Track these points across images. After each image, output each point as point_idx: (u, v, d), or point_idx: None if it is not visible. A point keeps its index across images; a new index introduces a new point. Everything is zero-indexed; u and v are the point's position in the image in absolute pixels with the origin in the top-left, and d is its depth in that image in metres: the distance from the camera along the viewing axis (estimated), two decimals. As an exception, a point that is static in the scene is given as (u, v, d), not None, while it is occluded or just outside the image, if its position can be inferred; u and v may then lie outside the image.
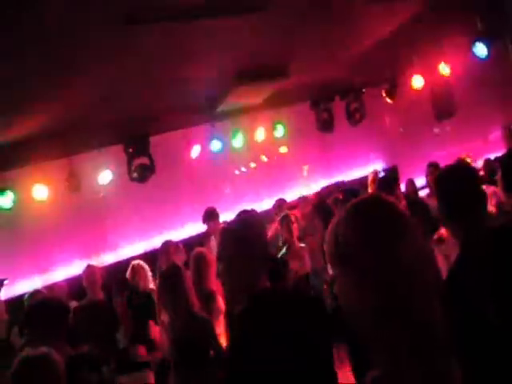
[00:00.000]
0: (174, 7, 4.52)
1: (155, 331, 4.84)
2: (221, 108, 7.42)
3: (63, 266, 7.68)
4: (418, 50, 7.92)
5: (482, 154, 9.58)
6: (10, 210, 6.74)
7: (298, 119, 8.88)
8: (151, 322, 4.87)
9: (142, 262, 6.20)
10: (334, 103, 9.12)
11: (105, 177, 7.45)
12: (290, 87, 7.40)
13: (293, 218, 6.67)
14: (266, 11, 5.04)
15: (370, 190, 7.97)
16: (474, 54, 8.15)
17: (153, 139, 7.46)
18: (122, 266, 6.72)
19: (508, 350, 1.97)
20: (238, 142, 8.43)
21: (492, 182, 4.71)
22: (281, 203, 7.87)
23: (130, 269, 6.10)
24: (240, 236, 2.39)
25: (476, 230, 2.28)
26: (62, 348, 3.10)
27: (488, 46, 8.00)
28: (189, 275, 4.31)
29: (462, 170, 2.63)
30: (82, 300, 5.84)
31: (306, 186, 9.50)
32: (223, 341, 4.17)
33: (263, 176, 9.28)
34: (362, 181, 8.93)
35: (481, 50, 8.04)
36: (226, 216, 6.97)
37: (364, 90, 9.17)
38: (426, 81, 9.02)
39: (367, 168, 9.57)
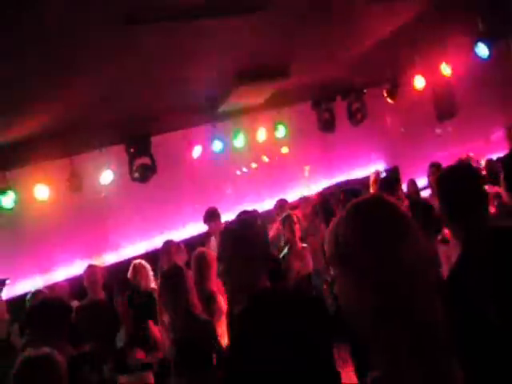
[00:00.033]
0: (174, 7, 4.52)
1: (155, 331, 4.84)
2: (222, 108, 7.42)
3: (64, 265, 7.68)
4: (419, 50, 7.91)
5: (484, 154, 9.57)
6: (11, 210, 6.74)
7: (300, 119, 8.87)
8: (151, 322, 4.86)
9: (143, 262, 6.20)
10: (335, 103, 9.11)
11: (106, 177, 7.45)
12: (291, 87, 7.40)
13: (295, 219, 6.66)
14: (266, 11, 5.03)
15: (371, 191, 7.97)
16: (475, 55, 8.13)
17: (154, 139, 7.47)
18: (123, 265, 6.72)
19: (509, 350, 1.96)
20: (239, 142, 8.42)
21: (495, 183, 4.71)
22: (282, 203, 7.87)
23: (131, 268, 6.11)
24: (239, 236, 2.39)
25: (477, 230, 2.27)
26: (64, 348, 3.10)
27: (490, 47, 7.98)
28: (191, 275, 4.30)
29: (463, 169, 2.63)
30: (83, 300, 5.85)
31: (308, 186, 9.49)
32: (225, 341, 4.17)
33: (264, 176, 9.28)
34: (364, 181, 8.92)
35: (482, 50, 8.02)
36: (228, 216, 6.96)
37: (365, 90, 9.16)
38: (427, 81, 9.01)
39: (369, 168, 9.56)
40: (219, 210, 7.24)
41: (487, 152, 9.76)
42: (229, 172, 9.14)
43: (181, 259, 6.03)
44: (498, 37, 8.17)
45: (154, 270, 6.13)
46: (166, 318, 4.14)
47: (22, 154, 6.34)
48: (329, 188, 9.52)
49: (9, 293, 6.69)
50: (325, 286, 6.33)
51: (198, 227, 7.97)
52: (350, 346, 5.04)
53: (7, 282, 6.63)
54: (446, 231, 5.19)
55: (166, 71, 5.80)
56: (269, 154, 9.44)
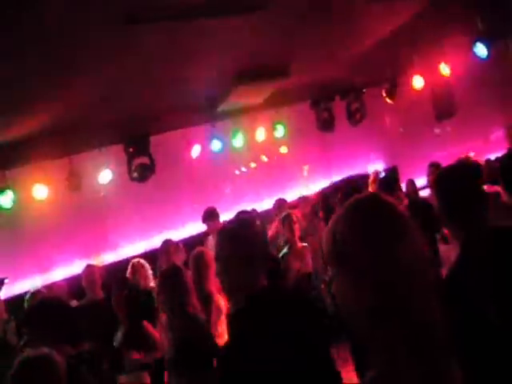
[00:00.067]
0: (173, 7, 4.52)
1: (152, 330, 4.84)
2: (221, 108, 7.42)
3: (63, 265, 7.68)
4: (418, 50, 7.91)
5: (483, 154, 9.57)
6: (10, 209, 6.74)
7: (299, 119, 8.87)
8: (145, 322, 4.86)
9: (142, 260, 6.21)
10: (334, 103, 9.11)
11: (105, 176, 7.45)
12: (290, 87, 7.40)
13: (294, 218, 6.66)
14: (266, 11, 5.04)
15: (370, 190, 7.96)
16: (474, 54, 8.15)
17: (153, 139, 7.46)
18: (122, 265, 6.71)
19: (509, 350, 1.96)
20: (238, 141, 8.42)
21: (494, 182, 4.70)
22: (281, 203, 7.86)
23: (130, 267, 6.10)
24: (237, 236, 2.39)
25: (477, 230, 2.27)
26: (63, 348, 3.09)
27: (488, 46, 7.99)
28: (189, 275, 4.30)
29: (462, 169, 2.62)
30: (82, 300, 5.85)
31: (306, 185, 9.49)
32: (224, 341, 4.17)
33: (263, 176, 9.28)
34: (363, 181, 8.92)
35: (481, 50, 8.04)
36: (226, 216, 6.96)
37: (364, 90, 9.17)
38: (426, 81, 9.02)
39: (367, 168, 9.57)
40: (218, 210, 7.24)
41: (486, 152, 9.75)
42: (228, 171, 9.14)
43: (179, 259, 6.03)
44: (497, 36, 8.18)
45: (153, 269, 6.13)
46: (164, 318, 4.15)
47: (22, 153, 6.34)
48: (329, 187, 9.52)
49: (7, 292, 6.68)
50: (323, 286, 6.34)
51: (196, 227, 7.97)
52: (351, 345, 5.05)
53: (6, 281, 6.63)
54: (446, 231, 5.19)
55: (166, 71, 5.80)
56: (268, 153, 9.44)
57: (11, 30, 4.01)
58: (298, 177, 9.75)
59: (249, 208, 7.20)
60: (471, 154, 9.31)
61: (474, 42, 8.02)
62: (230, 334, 2.42)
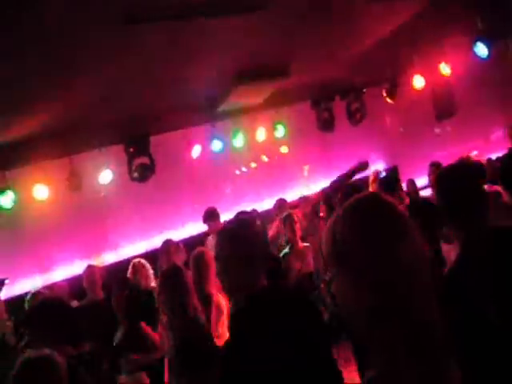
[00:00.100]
0: (174, 7, 4.52)
1: (150, 332, 4.83)
2: (221, 108, 7.42)
3: (64, 265, 7.68)
4: (418, 50, 7.91)
5: (484, 153, 9.56)
6: (10, 209, 6.74)
7: (299, 119, 8.87)
8: (143, 323, 4.85)
9: (142, 260, 6.20)
10: (334, 103, 9.11)
11: (105, 176, 7.45)
12: (290, 87, 7.40)
13: (295, 218, 6.66)
14: (266, 11, 5.04)
15: (371, 190, 7.96)
16: (474, 54, 8.14)
17: (153, 139, 7.46)
18: (122, 265, 6.71)
19: (509, 350, 1.96)
20: (238, 141, 8.42)
21: (495, 182, 4.70)
22: (281, 203, 7.86)
23: (130, 267, 6.10)
24: (237, 236, 2.39)
25: (477, 229, 2.26)
26: (64, 349, 3.09)
27: (489, 46, 7.99)
28: (190, 275, 4.30)
29: (463, 168, 2.62)
30: (83, 300, 5.84)
31: (307, 185, 9.49)
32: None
33: (264, 176, 9.28)
34: (364, 181, 8.91)
35: (481, 49, 8.03)
36: (227, 216, 6.96)
37: (365, 90, 9.17)
38: (426, 81, 9.02)
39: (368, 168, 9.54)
40: (218, 210, 7.25)
41: (487, 152, 9.75)
42: (228, 172, 9.13)
43: (180, 259, 6.03)
44: (497, 36, 8.17)
45: (153, 269, 6.13)
46: (165, 318, 4.15)
47: (22, 153, 6.34)
48: (329, 186, 9.50)
49: (8, 292, 6.68)
50: (322, 285, 6.34)
51: (197, 227, 7.97)
52: (353, 344, 5.05)
53: (6, 281, 6.62)
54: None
55: (166, 71, 5.80)
56: (268, 153, 9.43)
57: (11, 30, 4.01)
58: (299, 177, 9.75)
59: (249, 208, 7.19)
60: (474, 154, 9.30)
61: (474, 42, 8.01)
62: (231, 333, 2.42)
